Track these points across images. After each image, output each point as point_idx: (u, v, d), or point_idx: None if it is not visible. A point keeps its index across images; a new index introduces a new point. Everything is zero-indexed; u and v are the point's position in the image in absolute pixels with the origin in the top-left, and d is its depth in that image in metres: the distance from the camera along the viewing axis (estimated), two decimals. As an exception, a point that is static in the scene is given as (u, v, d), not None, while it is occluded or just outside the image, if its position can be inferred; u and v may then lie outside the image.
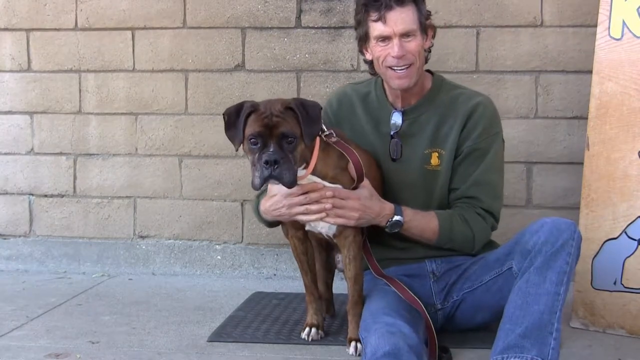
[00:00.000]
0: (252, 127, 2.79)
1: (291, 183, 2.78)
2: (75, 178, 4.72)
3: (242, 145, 2.85)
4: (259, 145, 2.78)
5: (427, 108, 3.21)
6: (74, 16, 4.65)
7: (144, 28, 4.60)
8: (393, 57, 3.06)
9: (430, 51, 3.24)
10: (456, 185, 3.18)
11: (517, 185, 4.32)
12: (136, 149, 4.65)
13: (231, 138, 2.87)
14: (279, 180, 2.75)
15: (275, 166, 2.72)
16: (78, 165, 4.71)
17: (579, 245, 2.78)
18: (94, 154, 4.69)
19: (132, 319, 3.70)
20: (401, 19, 3.04)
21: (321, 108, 2.94)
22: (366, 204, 2.94)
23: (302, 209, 2.95)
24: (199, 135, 4.58)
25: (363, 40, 3.18)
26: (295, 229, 3.13)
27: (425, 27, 3.13)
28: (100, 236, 4.72)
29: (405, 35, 3.05)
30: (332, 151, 2.96)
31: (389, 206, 3.03)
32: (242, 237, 4.59)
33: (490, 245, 3.26)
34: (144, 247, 4.68)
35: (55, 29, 4.68)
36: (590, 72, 3.58)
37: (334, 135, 2.96)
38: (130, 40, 4.61)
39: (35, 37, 4.70)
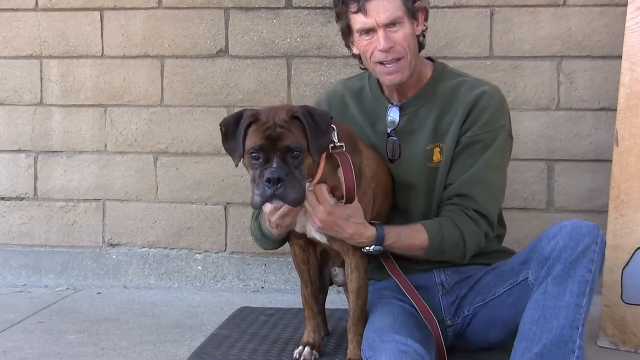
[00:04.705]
0: (252, 139, 2.77)
1: (297, 203, 2.76)
2: (36, 178, 4.73)
3: (242, 159, 2.83)
4: (260, 160, 2.75)
5: (426, 100, 3.21)
6: (34, -6, 4.68)
7: (114, 8, 4.61)
8: (380, 50, 3.06)
9: (424, 36, 3.23)
10: (451, 180, 3.16)
11: (536, 186, 4.35)
12: (105, 146, 4.67)
13: (230, 151, 2.84)
14: (283, 200, 2.73)
15: (279, 184, 2.70)
16: (39, 164, 4.73)
17: (602, 251, 2.77)
18: (57, 151, 4.70)
19: (100, 338, 3.71)
20: (383, 7, 3.03)
21: (332, 117, 2.92)
22: (336, 222, 2.92)
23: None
24: (176, 130, 4.60)
25: (346, 34, 3.18)
26: (297, 236, 3.13)
27: (414, 11, 3.11)
28: (64, 244, 4.73)
29: (390, 24, 3.04)
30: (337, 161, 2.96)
31: (369, 233, 3.01)
32: (226, 245, 4.61)
33: (505, 253, 3.26)
34: (114, 256, 4.69)
35: (13, 9, 4.69)
36: (620, 57, 3.61)
37: (344, 147, 2.93)
38: (98, 22, 4.63)
39: (-10, 18, 4.73)
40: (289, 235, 3.16)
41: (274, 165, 2.71)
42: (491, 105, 3.16)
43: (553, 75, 4.31)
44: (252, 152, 2.76)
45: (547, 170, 4.33)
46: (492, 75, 4.25)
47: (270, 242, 3.18)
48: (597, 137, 4.27)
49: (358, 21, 3.06)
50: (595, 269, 2.73)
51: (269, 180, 2.69)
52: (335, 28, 4.36)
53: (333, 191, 2.93)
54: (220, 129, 2.87)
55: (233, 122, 2.84)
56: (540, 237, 2.88)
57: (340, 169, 2.91)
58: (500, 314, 3.05)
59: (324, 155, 2.90)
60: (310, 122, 2.79)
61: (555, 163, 4.33)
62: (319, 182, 2.92)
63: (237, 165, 2.84)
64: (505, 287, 3.03)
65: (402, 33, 3.05)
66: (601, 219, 3.66)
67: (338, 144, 2.90)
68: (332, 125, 2.92)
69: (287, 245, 3.24)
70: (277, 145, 2.74)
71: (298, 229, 3.05)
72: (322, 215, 2.89)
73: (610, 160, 3.59)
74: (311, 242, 3.16)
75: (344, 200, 2.91)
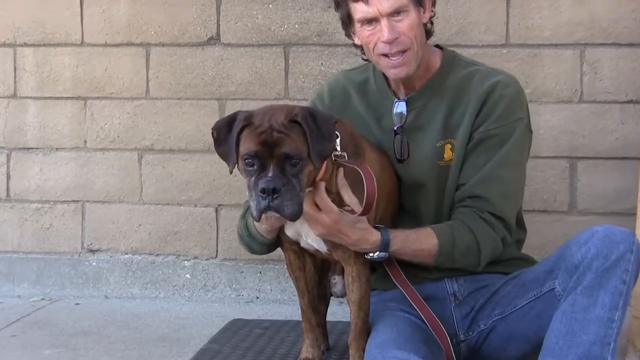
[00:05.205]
0: (247, 145, 2.74)
1: (294, 216, 2.73)
2: (8, 178, 4.71)
3: (237, 165, 2.81)
4: (255, 167, 2.72)
5: (435, 92, 3.18)
6: (7, -23, 4.65)
7: (95, -9, 4.60)
8: (384, 42, 3.02)
9: (432, 22, 3.19)
10: (463, 180, 3.13)
11: (557, 186, 4.32)
12: (85, 142, 4.65)
13: (223, 157, 2.83)
14: (279, 212, 2.70)
15: (275, 195, 2.67)
16: (12, 161, 4.70)
17: (638, 260, 2.73)
18: (32, 148, 4.68)
19: (79, 353, 3.69)
20: None
21: (336, 121, 2.88)
22: (342, 229, 2.90)
23: None
24: (163, 125, 4.58)
25: (346, 23, 3.16)
26: (291, 241, 3.10)
27: None
28: (39, 250, 4.71)
29: (394, 13, 3.01)
30: (344, 167, 2.92)
31: (374, 239, 2.98)
32: (217, 251, 4.59)
33: (525, 260, 3.24)
34: (94, 263, 4.67)
35: (-16, -6, 4.67)
36: (649, 44, 3.56)
37: (346, 156, 2.90)
38: (77, 7, 4.60)
39: (-42, 4, 4.69)
40: (280, 240, 3.14)
41: (270, 175, 2.68)
42: (506, 96, 3.12)
43: (575, 64, 4.27)
44: (246, 159, 2.73)
45: (569, 168, 4.30)
46: (509, 65, 4.20)
47: (259, 244, 3.14)
48: (624, 133, 4.23)
49: (359, 10, 3.03)
50: (630, 280, 2.71)
51: (263, 191, 2.67)
52: (336, 13, 4.29)
53: (327, 191, 2.90)
54: (212, 133, 2.84)
55: (225, 125, 2.81)
56: (568, 243, 2.85)
57: (340, 174, 2.89)
58: (522, 327, 3.03)
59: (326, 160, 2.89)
60: (311, 126, 2.74)
61: (578, 161, 4.30)
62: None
63: (231, 172, 2.80)
64: (528, 298, 3.01)
65: (408, 22, 3.02)
66: (629, 222, 3.62)
67: (340, 153, 2.88)
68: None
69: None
70: (274, 151, 2.70)
71: (291, 234, 3.03)
72: (326, 223, 2.86)
73: (639, 158, 3.60)
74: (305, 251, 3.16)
75: (354, 210, 2.88)
